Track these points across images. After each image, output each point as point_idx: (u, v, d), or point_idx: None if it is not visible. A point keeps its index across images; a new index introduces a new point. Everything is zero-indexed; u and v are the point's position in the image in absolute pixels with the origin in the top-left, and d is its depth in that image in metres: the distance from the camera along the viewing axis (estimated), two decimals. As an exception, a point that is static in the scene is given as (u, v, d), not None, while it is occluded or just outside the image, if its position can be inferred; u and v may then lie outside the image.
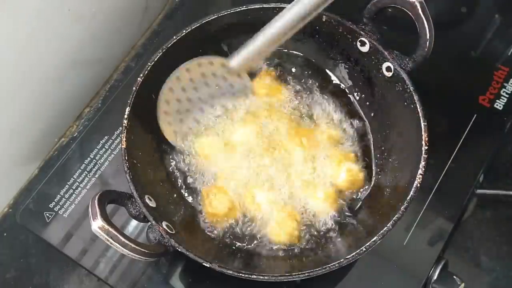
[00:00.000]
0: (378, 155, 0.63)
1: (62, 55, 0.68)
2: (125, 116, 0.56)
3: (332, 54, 0.67)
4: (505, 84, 0.72)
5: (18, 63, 0.61)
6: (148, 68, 0.59)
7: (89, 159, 0.69)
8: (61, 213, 0.66)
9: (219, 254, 0.57)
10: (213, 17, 0.62)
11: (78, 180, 0.68)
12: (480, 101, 0.71)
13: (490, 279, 0.64)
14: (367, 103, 0.66)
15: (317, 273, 0.49)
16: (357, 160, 0.63)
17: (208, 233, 0.59)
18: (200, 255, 0.50)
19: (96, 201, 0.47)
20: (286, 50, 0.69)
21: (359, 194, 0.61)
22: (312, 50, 0.68)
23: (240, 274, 0.49)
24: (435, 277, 0.60)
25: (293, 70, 0.69)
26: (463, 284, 0.58)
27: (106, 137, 0.70)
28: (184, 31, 0.61)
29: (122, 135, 0.55)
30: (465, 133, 0.69)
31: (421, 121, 0.55)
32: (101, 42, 0.74)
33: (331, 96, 0.67)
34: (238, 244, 0.59)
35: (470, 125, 0.69)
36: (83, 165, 0.69)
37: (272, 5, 0.62)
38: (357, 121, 0.66)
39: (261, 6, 0.63)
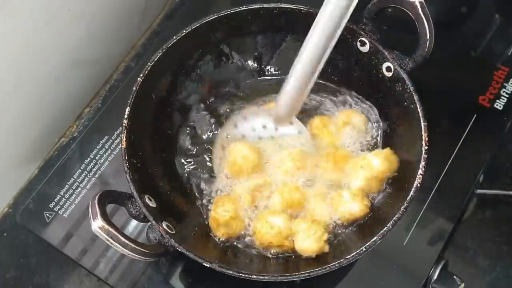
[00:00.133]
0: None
1: (61, 55, 0.68)
2: (125, 116, 0.56)
3: (332, 54, 0.67)
4: (505, 84, 0.72)
5: (18, 63, 0.61)
6: (148, 68, 0.59)
7: (89, 159, 0.69)
8: (61, 213, 0.66)
9: (220, 253, 0.57)
10: (213, 17, 0.62)
11: (78, 180, 0.68)
12: (480, 101, 0.71)
13: (490, 279, 0.64)
14: (367, 103, 0.66)
15: (317, 273, 0.49)
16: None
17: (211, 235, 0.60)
18: (200, 255, 0.50)
19: (96, 201, 0.47)
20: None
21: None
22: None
23: (240, 274, 0.49)
24: (435, 277, 0.60)
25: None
26: (463, 284, 0.58)
27: (106, 137, 0.70)
28: (184, 31, 0.61)
29: (122, 135, 0.55)
30: (465, 133, 0.69)
31: (421, 121, 0.55)
32: (101, 42, 0.74)
33: (331, 96, 0.67)
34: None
35: (470, 125, 0.69)
36: (83, 165, 0.69)
37: (272, 5, 0.62)
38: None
39: (261, 6, 0.63)
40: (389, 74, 0.59)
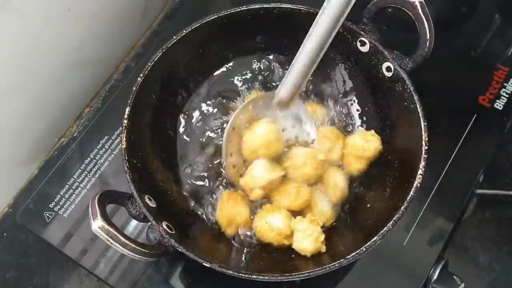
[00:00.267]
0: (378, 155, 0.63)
1: (62, 55, 0.68)
2: (125, 116, 0.56)
3: (332, 54, 0.67)
4: (505, 84, 0.72)
5: (18, 63, 0.61)
6: (148, 68, 0.59)
7: (89, 159, 0.69)
8: (61, 213, 0.66)
9: (220, 252, 0.57)
10: (213, 17, 0.62)
11: (78, 180, 0.68)
12: (480, 101, 0.71)
13: (490, 279, 0.64)
14: (367, 103, 0.66)
15: (317, 273, 0.49)
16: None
17: (210, 230, 0.60)
18: (200, 255, 0.50)
19: (96, 201, 0.47)
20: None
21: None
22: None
23: (240, 274, 0.49)
24: (435, 277, 0.60)
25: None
26: (463, 284, 0.58)
27: (106, 137, 0.70)
28: (184, 31, 0.61)
29: (122, 135, 0.55)
30: (465, 133, 0.69)
31: (421, 121, 0.55)
32: (101, 42, 0.74)
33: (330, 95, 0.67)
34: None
35: (470, 125, 0.69)
36: (83, 165, 0.69)
37: (272, 5, 0.62)
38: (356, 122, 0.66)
39: (261, 6, 0.63)
40: (389, 74, 0.59)
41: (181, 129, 0.66)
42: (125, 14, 0.77)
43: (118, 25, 0.76)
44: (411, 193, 0.52)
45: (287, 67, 0.68)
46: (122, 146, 0.54)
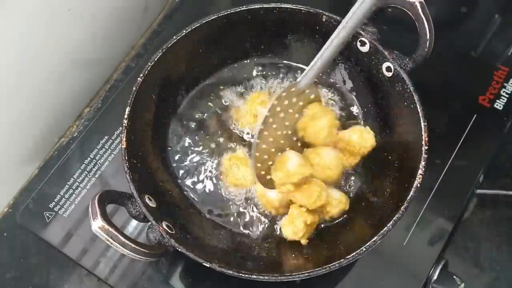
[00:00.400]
0: (378, 155, 0.63)
1: (62, 55, 0.68)
2: (125, 116, 0.56)
3: (332, 54, 0.67)
4: (505, 84, 0.72)
5: (18, 63, 0.61)
6: (148, 68, 0.59)
7: (89, 159, 0.69)
8: (61, 213, 0.66)
9: (221, 252, 0.57)
10: (213, 17, 0.62)
11: (78, 180, 0.68)
12: (480, 101, 0.71)
13: (490, 279, 0.64)
14: (367, 103, 0.66)
15: (317, 273, 0.49)
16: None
17: (210, 230, 0.60)
18: (200, 255, 0.50)
19: (96, 201, 0.47)
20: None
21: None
22: (312, 50, 0.68)
23: (240, 274, 0.49)
24: (435, 277, 0.60)
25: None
26: (463, 284, 0.58)
27: (106, 137, 0.70)
28: (184, 31, 0.61)
29: (122, 135, 0.55)
30: (465, 133, 0.69)
31: (421, 121, 0.55)
32: (101, 42, 0.74)
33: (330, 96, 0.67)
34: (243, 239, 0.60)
35: (470, 125, 0.69)
36: (83, 165, 0.69)
37: (272, 5, 0.62)
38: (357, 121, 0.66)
39: (261, 6, 0.63)
40: (389, 74, 0.59)
41: (181, 129, 0.66)
42: (125, 14, 0.77)
43: (118, 25, 0.76)
44: (411, 193, 0.52)
45: (287, 67, 0.69)
46: (122, 146, 0.54)
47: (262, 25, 0.66)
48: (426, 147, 0.54)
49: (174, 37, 0.61)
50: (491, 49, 0.75)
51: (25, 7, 0.58)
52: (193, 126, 0.66)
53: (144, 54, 0.78)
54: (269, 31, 0.67)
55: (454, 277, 0.59)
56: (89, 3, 0.68)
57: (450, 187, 0.65)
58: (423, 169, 0.53)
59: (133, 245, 0.47)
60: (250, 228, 0.61)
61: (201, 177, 0.64)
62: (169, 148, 0.65)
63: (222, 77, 0.69)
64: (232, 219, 0.61)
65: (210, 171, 0.64)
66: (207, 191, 0.63)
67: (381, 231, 0.50)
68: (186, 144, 0.65)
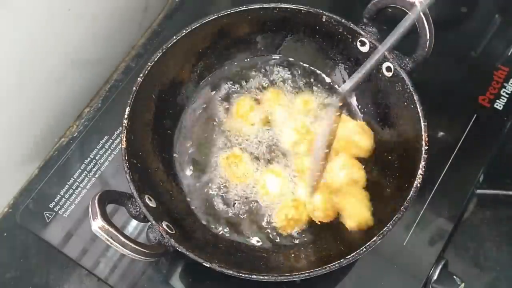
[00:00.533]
0: (378, 155, 0.63)
1: (62, 55, 0.68)
2: (125, 116, 0.56)
3: (332, 54, 0.67)
4: (505, 84, 0.72)
5: (18, 63, 0.61)
6: (148, 68, 0.59)
7: (89, 159, 0.69)
8: (61, 213, 0.66)
9: (221, 252, 0.57)
10: (213, 17, 0.62)
11: (78, 180, 0.68)
12: (480, 101, 0.71)
13: (490, 279, 0.64)
14: (367, 103, 0.66)
15: (317, 273, 0.49)
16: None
17: (210, 230, 0.60)
18: (200, 255, 0.50)
19: (96, 201, 0.47)
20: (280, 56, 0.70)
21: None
22: (312, 50, 0.68)
23: (240, 274, 0.49)
24: (435, 277, 0.60)
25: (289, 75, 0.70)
26: (463, 284, 0.58)
27: (106, 137, 0.70)
28: (184, 31, 0.61)
29: (122, 135, 0.55)
30: (465, 133, 0.69)
31: (421, 121, 0.55)
32: (101, 42, 0.74)
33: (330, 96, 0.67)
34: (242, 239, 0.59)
35: (470, 125, 0.69)
36: (83, 165, 0.69)
37: (272, 5, 0.63)
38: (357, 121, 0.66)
39: (261, 6, 0.63)
40: (389, 74, 0.59)
41: (181, 129, 0.66)
42: (125, 14, 0.77)
43: (118, 25, 0.76)
44: (411, 193, 0.52)
45: (287, 66, 0.69)
46: (122, 146, 0.54)
47: (262, 25, 0.66)
48: (426, 147, 0.54)
49: (174, 37, 0.61)
50: (491, 49, 0.75)
51: (25, 7, 0.58)
52: (193, 126, 0.66)
53: (144, 54, 0.78)
54: (269, 31, 0.67)
55: (454, 277, 0.59)
56: (89, 3, 0.68)
57: (450, 187, 0.65)
58: (423, 169, 0.53)
59: (133, 245, 0.47)
60: (250, 228, 0.61)
61: (201, 177, 0.64)
62: (169, 148, 0.65)
63: (222, 77, 0.69)
64: (232, 219, 0.61)
65: (210, 171, 0.64)
66: (207, 190, 0.63)
67: (381, 231, 0.51)
68: (186, 144, 0.65)
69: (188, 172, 0.64)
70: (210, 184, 0.63)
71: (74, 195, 0.67)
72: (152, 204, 0.54)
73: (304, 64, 0.69)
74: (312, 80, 0.69)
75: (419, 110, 0.55)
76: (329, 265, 0.49)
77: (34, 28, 0.61)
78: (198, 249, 0.52)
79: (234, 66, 0.70)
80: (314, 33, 0.66)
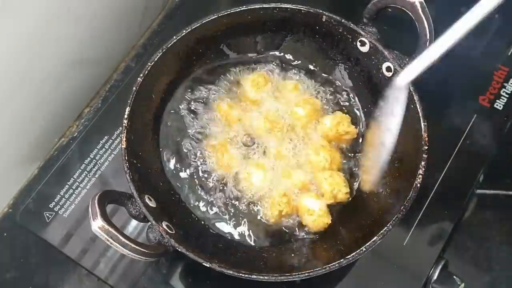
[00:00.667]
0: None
1: (62, 55, 0.68)
2: (125, 116, 0.56)
3: (332, 54, 0.67)
4: (505, 84, 0.72)
5: (18, 63, 0.61)
6: (148, 68, 0.59)
7: (89, 159, 0.69)
8: (61, 213, 0.66)
9: (221, 252, 0.57)
10: (213, 17, 0.62)
11: (78, 180, 0.68)
12: (480, 101, 0.71)
13: (490, 279, 0.64)
14: (367, 103, 0.66)
15: (317, 273, 0.49)
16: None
17: (210, 230, 0.60)
18: (200, 255, 0.50)
19: (96, 201, 0.47)
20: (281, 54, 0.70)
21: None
22: (312, 50, 0.68)
23: (240, 274, 0.49)
24: (435, 277, 0.60)
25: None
26: (463, 284, 0.58)
27: (106, 137, 0.70)
28: (184, 31, 0.61)
29: (122, 135, 0.55)
30: (465, 133, 0.69)
31: (421, 121, 0.55)
32: (101, 42, 0.74)
33: (330, 96, 0.67)
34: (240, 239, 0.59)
35: (470, 125, 0.69)
36: (83, 165, 0.69)
37: (272, 5, 0.63)
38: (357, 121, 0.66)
39: (261, 6, 0.63)
40: (389, 74, 0.59)
41: (181, 129, 0.66)
42: (125, 14, 0.77)
43: (118, 25, 0.76)
44: (411, 193, 0.52)
45: (287, 66, 0.69)
46: (122, 146, 0.54)
47: (262, 25, 0.66)
48: (426, 147, 0.54)
49: (174, 37, 0.61)
50: (491, 49, 0.75)
51: (25, 7, 0.58)
52: (192, 126, 0.66)
53: (144, 54, 0.78)
54: (269, 31, 0.67)
55: (454, 277, 0.59)
56: (89, 3, 0.68)
57: (450, 187, 0.65)
58: (423, 169, 0.53)
59: (133, 245, 0.47)
60: (250, 228, 0.61)
61: (200, 178, 0.63)
62: (169, 148, 0.65)
63: (222, 77, 0.69)
64: (232, 218, 0.61)
65: (210, 172, 0.64)
66: (207, 191, 0.63)
67: (381, 231, 0.51)
68: (186, 144, 0.65)
69: (189, 172, 0.64)
70: (211, 184, 0.63)
71: (74, 195, 0.67)
72: (152, 204, 0.54)
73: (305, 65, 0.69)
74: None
75: (419, 110, 0.55)
76: (329, 265, 0.49)
77: (34, 28, 0.61)
78: (198, 249, 0.52)
79: (235, 66, 0.70)
80: (314, 33, 0.65)
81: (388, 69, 0.59)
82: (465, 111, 0.70)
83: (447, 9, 0.79)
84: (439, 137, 0.62)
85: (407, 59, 0.58)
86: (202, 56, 0.67)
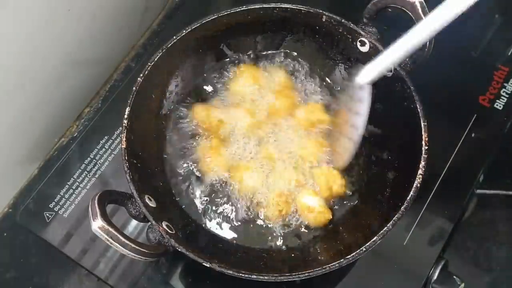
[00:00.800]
0: (378, 155, 0.63)
1: (62, 55, 0.68)
2: (125, 116, 0.56)
3: (332, 54, 0.67)
4: (505, 84, 0.72)
5: (18, 63, 0.61)
6: (148, 68, 0.59)
7: (89, 159, 0.69)
8: (61, 213, 0.66)
9: (221, 252, 0.57)
10: (213, 17, 0.62)
11: (78, 180, 0.68)
12: (480, 101, 0.71)
13: (490, 279, 0.64)
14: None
15: (317, 273, 0.49)
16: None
17: (209, 229, 0.60)
18: (200, 255, 0.50)
19: (96, 201, 0.47)
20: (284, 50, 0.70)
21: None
22: (312, 50, 0.68)
23: (240, 274, 0.49)
24: (435, 277, 0.60)
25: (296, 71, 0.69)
26: (463, 284, 0.58)
27: (106, 137, 0.70)
28: (184, 31, 0.61)
29: (122, 135, 0.55)
30: (465, 133, 0.69)
31: (421, 121, 0.55)
32: (101, 42, 0.74)
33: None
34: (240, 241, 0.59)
35: (470, 125, 0.69)
36: (83, 165, 0.69)
37: (272, 5, 0.63)
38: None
39: (261, 6, 0.63)
40: (389, 74, 0.59)
41: (181, 129, 0.66)
42: (125, 14, 0.77)
43: (118, 25, 0.76)
44: (411, 193, 0.52)
45: (288, 66, 0.69)
46: (122, 146, 0.54)
47: (262, 25, 0.66)
48: (426, 147, 0.54)
49: (174, 37, 0.61)
50: (491, 49, 0.75)
51: (25, 7, 0.58)
52: (192, 126, 0.66)
53: (144, 54, 0.78)
54: (269, 31, 0.67)
55: (454, 277, 0.59)
56: (89, 3, 0.68)
57: (450, 187, 0.65)
58: (423, 169, 0.53)
59: (133, 245, 0.47)
60: (250, 228, 0.61)
61: (199, 178, 0.64)
62: (169, 148, 0.65)
63: (222, 77, 0.69)
64: (232, 219, 0.61)
65: (207, 172, 0.64)
66: (205, 191, 0.63)
67: (381, 231, 0.51)
68: (186, 145, 0.65)
69: (189, 171, 0.64)
70: (211, 183, 0.63)
71: (74, 195, 0.67)
72: (152, 204, 0.54)
73: (305, 65, 0.69)
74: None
75: (419, 110, 0.55)
76: (329, 265, 0.49)
77: (34, 28, 0.61)
78: (198, 249, 0.52)
79: (235, 66, 0.70)
80: (314, 33, 0.65)
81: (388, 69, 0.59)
82: (465, 111, 0.70)
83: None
84: (439, 137, 0.62)
85: (407, 59, 0.58)
86: (202, 56, 0.67)
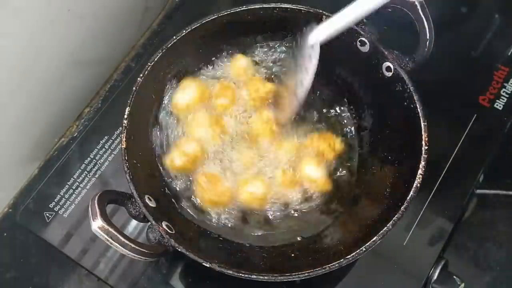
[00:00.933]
0: (378, 155, 0.63)
1: (62, 55, 0.68)
2: (125, 116, 0.56)
3: (332, 54, 0.67)
4: (505, 84, 0.72)
5: (18, 63, 0.61)
6: (148, 68, 0.59)
7: (89, 159, 0.69)
8: (61, 213, 0.66)
9: (221, 252, 0.57)
10: (213, 17, 0.62)
11: (78, 180, 0.68)
12: (480, 101, 0.71)
13: (490, 279, 0.64)
14: (367, 103, 0.66)
15: (317, 273, 0.49)
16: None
17: (209, 229, 0.60)
18: (200, 255, 0.50)
19: (96, 201, 0.47)
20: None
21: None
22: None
23: (240, 274, 0.49)
24: (435, 277, 0.60)
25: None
26: (463, 284, 0.58)
27: (106, 137, 0.70)
28: (184, 31, 0.61)
29: (122, 135, 0.55)
30: (465, 133, 0.69)
31: (421, 121, 0.55)
32: (101, 42, 0.74)
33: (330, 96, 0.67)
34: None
35: (470, 125, 0.69)
36: (83, 165, 0.69)
37: (272, 5, 0.62)
38: (357, 122, 0.66)
39: (261, 6, 0.63)
40: (389, 74, 0.59)
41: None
42: (125, 14, 0.77)
43: (118, 25, 0.76)
44: (411, 193, 0.52)
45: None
46: (122, 146, 0.54)
47: (262, 25, 0.66)
48: (426, 147, 0.54)
49: (174, 37, 0.61)
50: (491, 49, 0.75)
51: (25, 7, 0.58)
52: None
53: (144, 54, 0.78)
54: (269, 31, 0.67)
55: (454, 277, 0.59)
56: (89, 3, 0.68)
57: (450, 187, 0.65)
58: (423, 169, 0.53)
59: (133, 245, 0.47)
60: (249, 227, 0.61)
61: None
62: (169, 148, 0.65)
63: (221, 77, 0.69)
64: (232, 218, 0.61)
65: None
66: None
67: (381, 231, 0.50)
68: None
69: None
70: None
71: (74, 195, 0.67)
72: (152, 204, 0.54)
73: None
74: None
75: (419, 110, 0.55)
76: (329, 265, 0.49)
77: (34, 28, 0.61)
78: (198, 249, 0.52)
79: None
80: (314, 33, 0.65)
81: (388, 69, 0.59)
82: (465, 111, 0.70)
83: (447, 9, 0.80)
84: (439, 137, 0.62)
85: (407, 59, 0.58)
86: (202, 56, 0.67)
